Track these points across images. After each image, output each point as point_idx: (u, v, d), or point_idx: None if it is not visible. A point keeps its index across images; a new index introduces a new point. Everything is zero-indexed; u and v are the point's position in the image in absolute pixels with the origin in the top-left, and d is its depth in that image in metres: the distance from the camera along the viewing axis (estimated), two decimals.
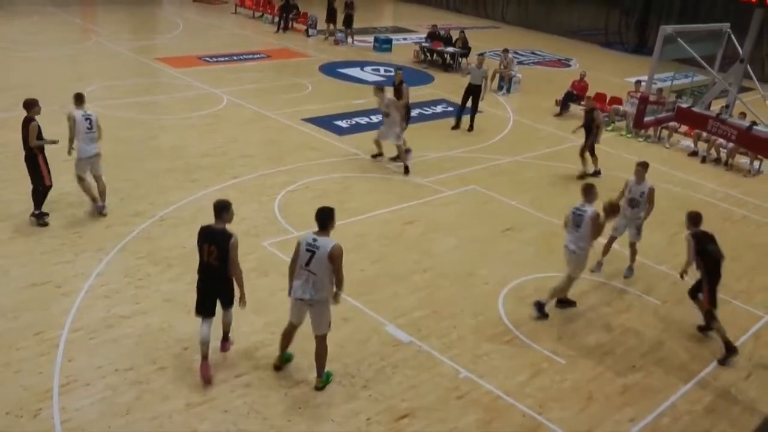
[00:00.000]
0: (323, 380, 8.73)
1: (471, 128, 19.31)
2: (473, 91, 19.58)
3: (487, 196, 14.91)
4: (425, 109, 20.76)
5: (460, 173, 15.99)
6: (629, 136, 20.49)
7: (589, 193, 10.64)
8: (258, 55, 25.58)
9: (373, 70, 25.13)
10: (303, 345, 8.97)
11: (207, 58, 24.99)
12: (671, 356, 10.13)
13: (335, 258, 8.29)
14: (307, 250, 8.43)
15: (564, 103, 21.94)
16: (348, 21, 29.75)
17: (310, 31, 30.96)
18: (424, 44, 27.83)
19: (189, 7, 37.41)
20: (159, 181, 14.39)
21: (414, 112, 20.03)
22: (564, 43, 35.08)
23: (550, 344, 10.03)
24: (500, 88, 23.53)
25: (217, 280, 8.77)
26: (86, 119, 12.30)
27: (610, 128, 20.73)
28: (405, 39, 31.40)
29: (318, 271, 8.34)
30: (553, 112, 21.83)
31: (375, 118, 19.24)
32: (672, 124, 18.84)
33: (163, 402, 8.17)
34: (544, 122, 20.95)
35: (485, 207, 14.47)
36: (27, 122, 11.91)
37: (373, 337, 9.80)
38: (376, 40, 29.30)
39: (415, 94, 22.12)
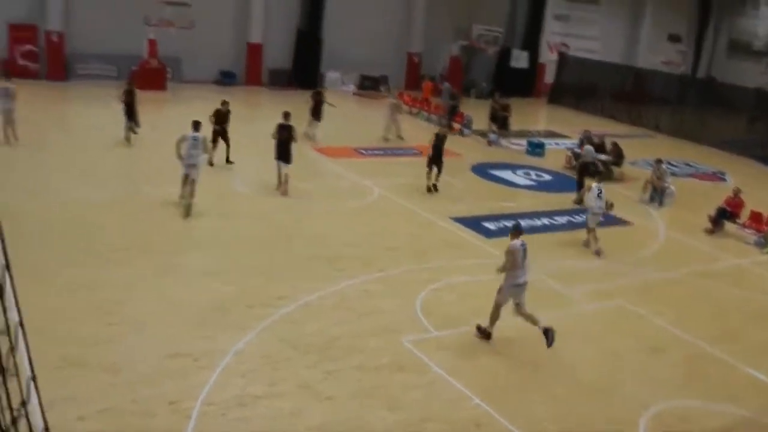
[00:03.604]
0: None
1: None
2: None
3: (632, 311, 14.50)
4: (574, 216, 20.45)
5: (605, 285, 15.65)
6: None
7: (522, 229, 12.70)
8: (411, 151, 26.08)
9: (524, 173, 25.12)
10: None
11: (362, 151, 25.72)
12: None
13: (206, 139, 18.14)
14: (194, 138, 17.25)
15: (717, 220, 21.13)
16: (504, 123, 30.05)
17: (465, 131, 31.40)
18: (576, 150, 27.64)
19: (349, 98, 38.76)
20: (304, 267, 14.76)
21: (563, 219, 19.92)
22: (718, 155, 33.87)
23: None
24: (652, 199, 22.98)
25: (285, 146, 19.36)
26: None
27: (767, 250, 19.83)
28: (557, 144, 31.31)
29: (200, 147, 17.38)
30: (706, 229, 21.00)
31: (523, 222, 19.13)
32: None
33: None
34: (696, 238, 20.26)
35: (629, 322, 14.08)
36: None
37: None
38: (529, 143, 29.38)
39: (564, 200, 22.01)
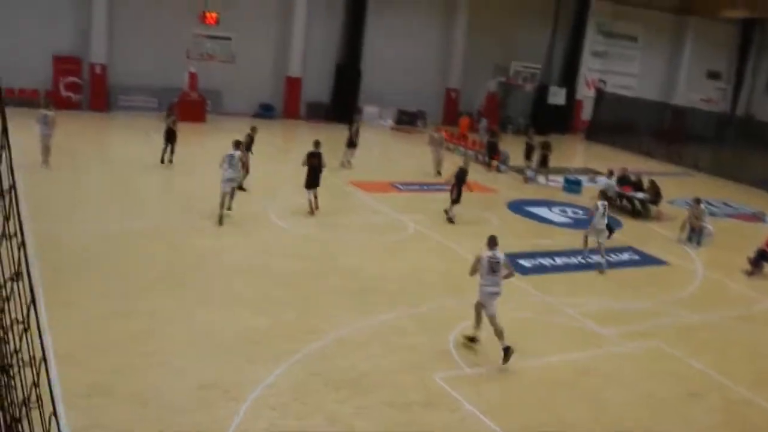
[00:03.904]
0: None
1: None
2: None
3: (669, 353, 14.23)
4: (610, 255, 20.18)
5: (642, 326, 15.40)
6: None
7: (497, 242, 13.25)
8: (448, 187, 25.99)
9: (560, 210, 24.95)
10: None
11: (399, 186, 25.78)
12: None
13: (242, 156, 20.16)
14: (230, 156, 19.09)
15: (756, 262, 20.75)
16: (543, 161, 29.94)
17: (501, 167, 31.34)
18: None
19: (386, 133, 38.94)
20: (337, 301, 14.74)
21: (599, 258, 19.67)
22: (758, 195, 33.36)
23: None
24: (690, 239, 22.67)
25: (316, 173, 20.47)
26: None
27: None
28: (595, 181, 31.04)
29: (236, 165, 19.15)
30: (745, 270, 20.63)
31: (559, 260, 19.06)
32: None
33: None
34: (734, 280, 19.89)
35: (666, 365, 13.80)
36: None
37: None
38: (566, 180, 29.21)
39: None
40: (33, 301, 3.00)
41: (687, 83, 53.89)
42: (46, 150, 22.65)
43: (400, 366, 12.23)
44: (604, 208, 19.28)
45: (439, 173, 28.24)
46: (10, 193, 3.14)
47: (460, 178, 22.02)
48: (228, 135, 26.23)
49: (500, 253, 13.09)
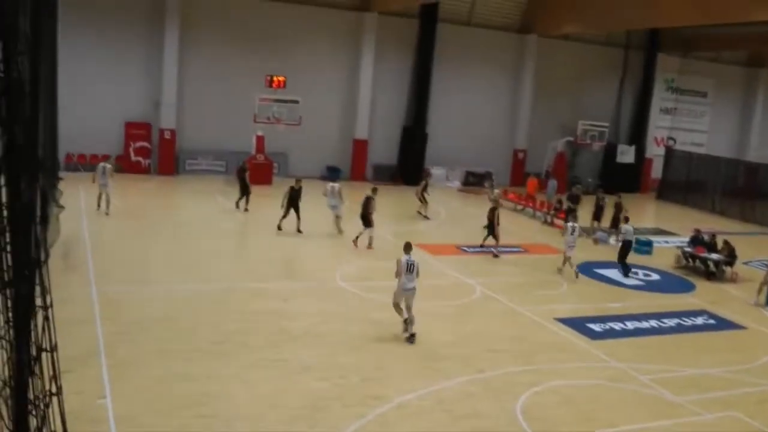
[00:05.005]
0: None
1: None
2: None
3: (752, 426, 13.51)
4: (684, 319, 19.61)
5: (720, 395, 14.75)
6: None
7: (411, 247, 16.45)
8: (516, 249, 25.72)
9: (631, 273, 24.28)
10: None
11: (465, 248, 25.55)
12: None
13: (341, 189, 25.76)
14: (331, 188, 25.29)
15: None
16: (615, 223, 29.39)
17: None
18: (686, 249, 26.76)
19: (453, 194, 38.86)
20: (402, 366, 14.53)
21: (671, 322, 19.16)
22: None
23: None
24: None
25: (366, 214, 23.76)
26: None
27: None
28: (666, 242, 30.38)
29: (336, 195, 25.51)
30: None
31: (630, 324, 18.55)
32: None
33: None
34: None
35: None
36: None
37: None
38: (636, 241, 28.55)
39: (674, 302, 21.19)
40: (55, 376, 2.95)
41: (760, 138, 52.79)
42: (103, 198, 25.21)
43: None
44: (573, 228, 23.14)
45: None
46: (41, 267, 3.14)
47: (495, 215, 25.02)
48: None
49: (414, 258, 16.08)
